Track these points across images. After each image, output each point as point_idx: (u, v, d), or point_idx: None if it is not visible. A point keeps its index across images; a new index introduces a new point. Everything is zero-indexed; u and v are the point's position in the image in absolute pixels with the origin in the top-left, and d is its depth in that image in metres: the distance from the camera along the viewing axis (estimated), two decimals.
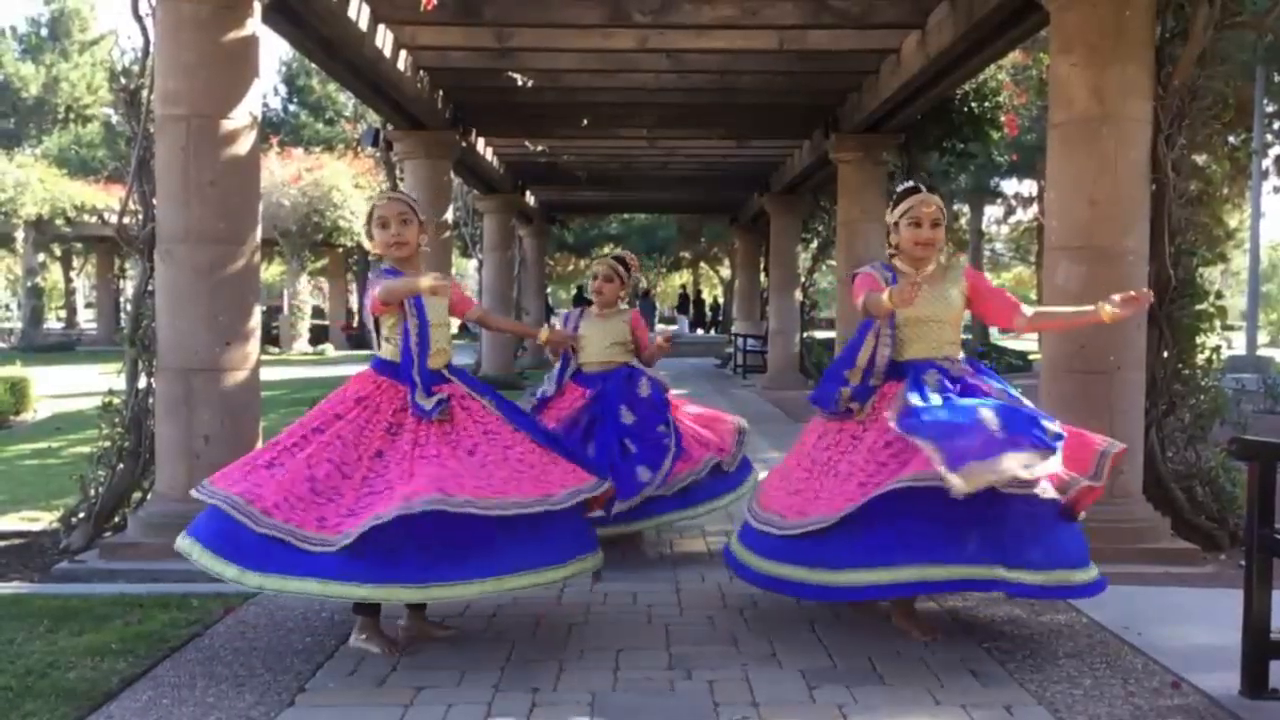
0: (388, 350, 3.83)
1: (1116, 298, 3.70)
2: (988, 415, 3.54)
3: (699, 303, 40.18)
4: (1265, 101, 16.90)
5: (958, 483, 3.37)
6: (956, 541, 3.50)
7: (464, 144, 10.73)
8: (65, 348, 26.15)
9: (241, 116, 5.05)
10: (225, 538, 3.45)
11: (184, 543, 3.57)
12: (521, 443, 3.78)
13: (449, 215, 10.91)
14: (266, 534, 3.38)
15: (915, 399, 3.72)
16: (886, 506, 3.53)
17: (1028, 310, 4.03)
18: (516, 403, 4.17)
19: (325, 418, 3.73)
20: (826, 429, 4.02)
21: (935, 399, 3.73)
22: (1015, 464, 3.40)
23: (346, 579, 3.32)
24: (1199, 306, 5.41)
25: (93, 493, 5.30)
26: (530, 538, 3.49)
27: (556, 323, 5.38)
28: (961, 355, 3.97)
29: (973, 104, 9.68)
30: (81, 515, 5.28)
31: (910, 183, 4.13)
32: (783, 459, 4.30)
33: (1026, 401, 3.80)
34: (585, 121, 10.49)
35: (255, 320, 5.20)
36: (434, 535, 3.34)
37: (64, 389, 13.53)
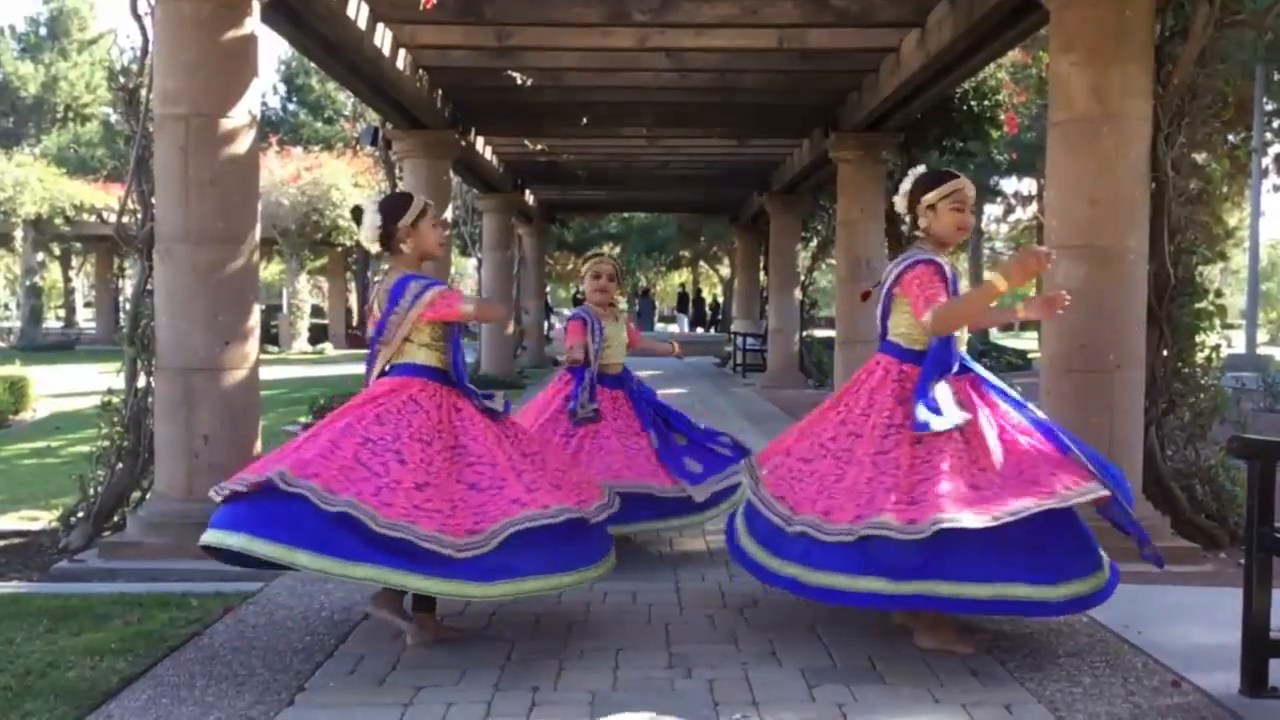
0: (432, 357, 3.77)
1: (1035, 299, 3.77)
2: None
3: (699, 301, 40.16)
4: (1265, 100, 16.91)
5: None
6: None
7: (463, 143, 10.72)
8: (64, 347, 26.12)
9: (240, 115, 5.05)
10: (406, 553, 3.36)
11: (368, 569, 3.32)
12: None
13: (449, 214, 10.91)
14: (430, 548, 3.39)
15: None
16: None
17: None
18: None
19: (427, 428, 3.63)
20: (905, 435, 3.66)
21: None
22: None
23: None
24: (1199, 305, 5.41)
25: (92, 492, 5.30)
26: (580, 538, 3.69)
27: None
28: None
29: (972, 103, 9.68)
30: (81, 515, 5.28)
31: (924, 169, 4.04)
32: (814, 456, 3.86)
33: None
34: (585, 120, 10.48)
35: (254, 319, 5.19)
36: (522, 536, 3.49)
37: (63, 388, 13.52)
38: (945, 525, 3.31)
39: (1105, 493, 3.52)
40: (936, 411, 3.62)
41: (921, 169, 4.02)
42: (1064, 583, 3.43)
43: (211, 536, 3.38)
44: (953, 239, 3.89)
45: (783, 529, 3.71)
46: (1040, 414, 3.82)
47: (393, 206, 3.83)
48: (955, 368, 3.78)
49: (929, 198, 3.86)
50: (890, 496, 3.49)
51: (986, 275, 3.56)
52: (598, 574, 3.78)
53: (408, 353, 3.77)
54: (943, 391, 3.68)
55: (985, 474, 3.51)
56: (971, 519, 3.32)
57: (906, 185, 3.97)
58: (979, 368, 3.91)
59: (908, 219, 3.98)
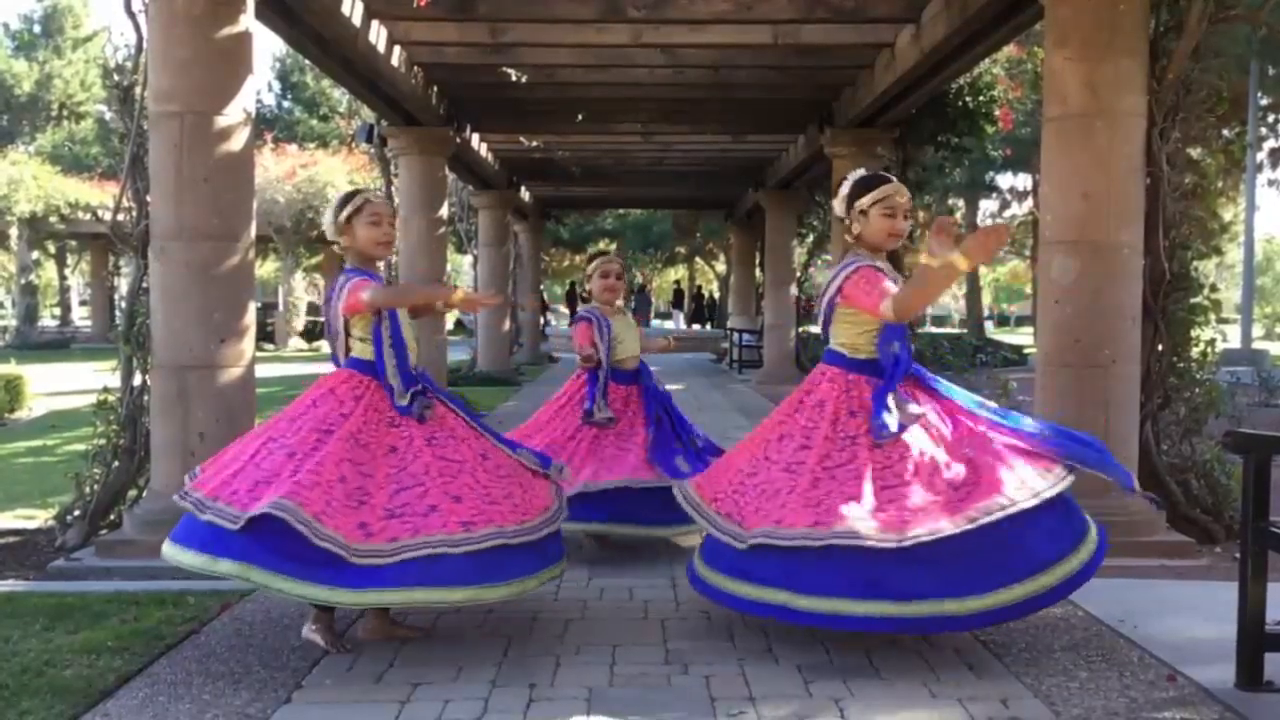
0: (365, 350, 3.74)
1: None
2: None
3: (697, 297, 40.13)
4: (1259, 95, 16.94)
5: None
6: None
7: (459, 140, 10.71)
8: (60, 345, 26.10)
9: (235, 113, 5.04)
10: (283, 554, 3.30)
11: (230, 566, 3.33)
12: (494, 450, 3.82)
13: (444, 211, 10.90)
14: (325, 546, 3.30)
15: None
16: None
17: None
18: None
19: (331, 417, 3.61)
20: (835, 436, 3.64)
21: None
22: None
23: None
24: (1194, 300, 5.42)
25: (88, 490, 5.29)
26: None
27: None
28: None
29: (967, 98, 9.68)
30: (77, 513, 5.27)
31: (863, 171, 3.92)
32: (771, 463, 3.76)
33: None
34: (580, 117, 10.48)
35: (250, 317, 5.19)
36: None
37: (59, 387, 13.50)
38: (923, 539, 3.28)
39: (1071, 479, 3.48)
40: (889, 413, 3.58)
41: (860, 172, 3.91)
42: (1062, 562, 3.40)
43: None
44: (884, 245, 3.80)
45: (734, 547, 3.57)
46: (993, 405, 3.78)
47: (337, 202, 3.89)
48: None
49: (862, 202, 3.78)
50: (854, 506, 3.39)
51: (942, 257, 3.41)
52: (536, 584, 3.66)
53: (353, 348, 3.78)
54: (892, 398, 3.64)
55: (952, 475, 3.46)
56: (949, 526, 3.29)
57: (845, 189, 3.86)
58: (923, 370, 3.86)
59: (847, 222, 3.87)
